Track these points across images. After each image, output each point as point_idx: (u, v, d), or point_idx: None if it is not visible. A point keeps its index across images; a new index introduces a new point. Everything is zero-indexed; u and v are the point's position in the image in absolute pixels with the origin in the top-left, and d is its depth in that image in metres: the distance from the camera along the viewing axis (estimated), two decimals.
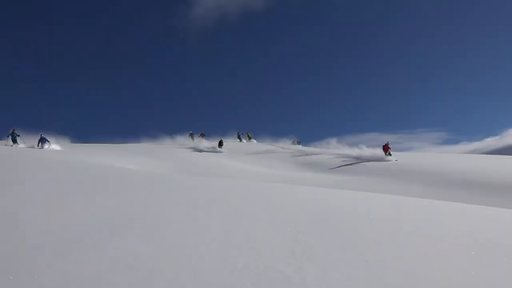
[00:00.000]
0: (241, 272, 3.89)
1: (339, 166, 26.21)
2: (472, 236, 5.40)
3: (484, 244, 5.03)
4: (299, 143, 40.54)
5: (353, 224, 5.83)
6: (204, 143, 37.22)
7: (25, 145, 25.01)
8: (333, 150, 34.02)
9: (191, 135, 42.31)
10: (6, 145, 24.58)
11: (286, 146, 37.45)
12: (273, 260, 4.20)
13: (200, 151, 33.52)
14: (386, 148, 27.24)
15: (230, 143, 39.27)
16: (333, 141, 40.05)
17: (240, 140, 42.19)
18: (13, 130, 25.24)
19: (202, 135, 42.39)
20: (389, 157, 26.80)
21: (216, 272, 3.88)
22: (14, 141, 25.07)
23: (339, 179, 20.76)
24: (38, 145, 24.72)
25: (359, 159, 27.89)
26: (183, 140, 41.49)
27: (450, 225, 6.10)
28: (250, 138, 42.98)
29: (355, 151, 31.03)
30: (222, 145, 35.06)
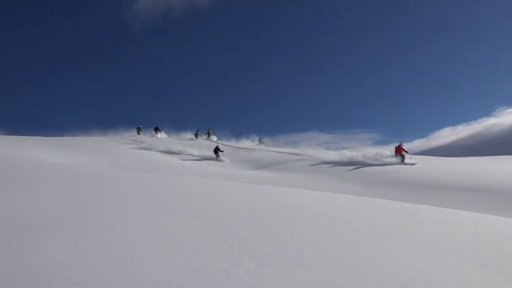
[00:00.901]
0: (177, 269, 3.87)
1: (280, 164, 26.68)
2: (403, 232, 5.78)
3: (414, 239, 5.41)
4: (261, 142, 38.99)
5: (290, 220, 6.00)
6: (170, 143, 33.19)
7: None
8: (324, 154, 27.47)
9: (138, 130, 40.62)
10: None
11: (233, 145, 36.45)
12: (211, 256, 4.22)
13: (170, 152, 29.05)
14: (399, 149, 22.48)
15: (186, 141, 37.72)
16: (255, 138, 39.54)
17: (197, 138, 39.46)
18: None
19: (156, 130, 40.48)
20: (406, 159, 22.11)
21: (152, 270, 3.83)
22: None
23: (280, 177, 21.17)
24: None
25: (359, 163, 23.09)
26: (128, 134, 40.01)
27: (384, 222, 6.48)
28: (209, 135, 40.19)
29: (356, 154, 24.81)
30: (218, 152, 28.81)
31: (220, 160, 28.02)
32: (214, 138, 39.54)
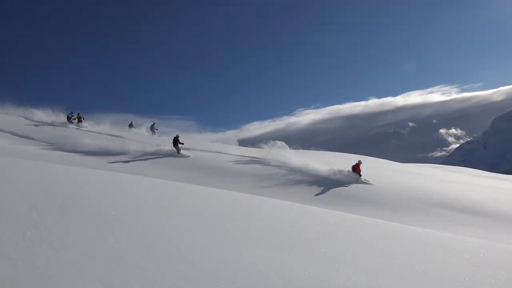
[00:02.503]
0: None
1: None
2: (198, 212, 6.27)
3: (207, 217, 5.97)
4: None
5: (95, 203, 5.76)
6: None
7: None
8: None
9: None
10: None
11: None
12: None
13: None
14: (357, 169, 19.33)
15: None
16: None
17: (71, 123, 31.99)
18: None
19: None
20: (363, 180, 18.66)
21: None
22: None
23: (100, 161, 19.89)
24: None
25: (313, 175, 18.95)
26: None
27: (185, 204, 6.91)
28: (80, 120, 32.57)
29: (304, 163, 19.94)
30: (178, 144, 21.45)
31: (182, 156, 21.38)
32: (82, 124, 33.09)
